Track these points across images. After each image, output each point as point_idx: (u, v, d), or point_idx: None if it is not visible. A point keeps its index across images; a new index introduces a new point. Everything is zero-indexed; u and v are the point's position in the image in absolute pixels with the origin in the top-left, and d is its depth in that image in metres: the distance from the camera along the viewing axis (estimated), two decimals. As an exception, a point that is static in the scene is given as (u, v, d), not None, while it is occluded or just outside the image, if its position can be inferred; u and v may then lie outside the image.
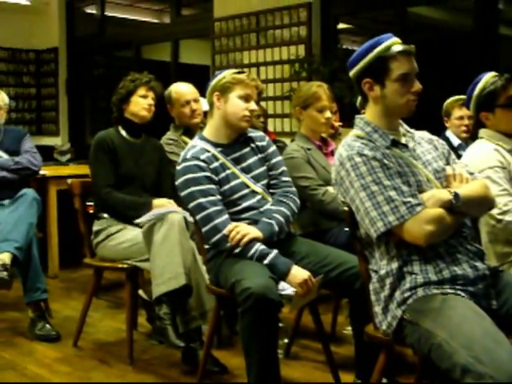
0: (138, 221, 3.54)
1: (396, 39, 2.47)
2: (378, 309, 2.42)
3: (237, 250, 2.90)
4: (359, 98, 2.62)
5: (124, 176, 3.79)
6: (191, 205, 3.00)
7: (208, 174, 3.01)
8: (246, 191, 3.08)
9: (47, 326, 4.05)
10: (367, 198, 2.34)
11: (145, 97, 3.88)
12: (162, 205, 3.65)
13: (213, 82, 3.15)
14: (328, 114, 3.79)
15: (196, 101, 4.21)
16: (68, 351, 3.82)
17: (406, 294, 2.31)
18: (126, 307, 3.69)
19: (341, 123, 4.56)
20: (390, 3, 6.26)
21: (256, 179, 3.14)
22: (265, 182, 3.17)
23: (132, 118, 3.89)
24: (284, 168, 3.27)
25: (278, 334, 2.84)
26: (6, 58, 9.95)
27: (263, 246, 2.89)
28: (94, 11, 9.73)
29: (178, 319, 3.41)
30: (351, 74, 2.54)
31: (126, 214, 3.70)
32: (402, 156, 2.46)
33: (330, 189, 3.53)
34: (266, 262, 2.85)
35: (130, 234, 3.62)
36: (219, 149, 3.11)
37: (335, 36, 6.89)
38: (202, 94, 4.34)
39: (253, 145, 3.21)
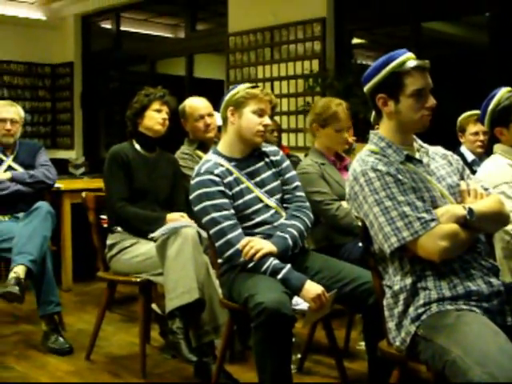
0: (152, 235, 3.55)
1: (410, 54, 2.47)
2: (391, 324, 2.41)
3: (250, 265, 2.89)
4: (373, 113, 2.61)
5: (138, 190, 3.80)
6: (204, 219, 3.01)
7: (221, 188, 3.01)
8: (259, 206, 3.08)
9: (60, 339, 4.05)
10: (381, 213, 2.34)
11: (159, 111, 3.89)
12: (176, 219, 3.65)
13: (227, 97, 3.16)
14: (346, 134, 3.80)
15: (210, 115, 4.22)
16: (81, 364, 3.82)
17: (420, 310, 2.29)
18: (139, 321, 3.69)
19: (355, 138, 4.56)
20: (405, 19, 6.28)
21: (270, 194, 3.14)
22: (278, 196, 3.17)
23: (146, 132, 3.90)
24: (298, 183, 3.27)
25: (292, 349, 2.83)
26: (23, 72, 10.05)
27: (277, 261, 2.89)
28: (109, 26, 9.82)
29: (191, 333, 3.41)
30: (365, 89, 2.54)
31: (140, 228, 3.71)
32: (416, 171, 2.45)
33: (344, 204, 3.52)
34: (279, 276, 2.85)
35: (144, 248, 3.63)
36: (233, 163, 3.12)
37: (349, 51, 6.92)
38: (216, 109, 4.36)
39: (267, 159, 3.22)
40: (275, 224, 3.06)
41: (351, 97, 5.70)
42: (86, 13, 9.88)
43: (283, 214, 3.14)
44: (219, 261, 3.10)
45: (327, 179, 3.72)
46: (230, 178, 3.06)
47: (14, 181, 4.45)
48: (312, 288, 2.83)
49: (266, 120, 3.13)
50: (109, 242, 3.80)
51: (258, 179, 3.14)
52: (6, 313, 4.81)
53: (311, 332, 3.66)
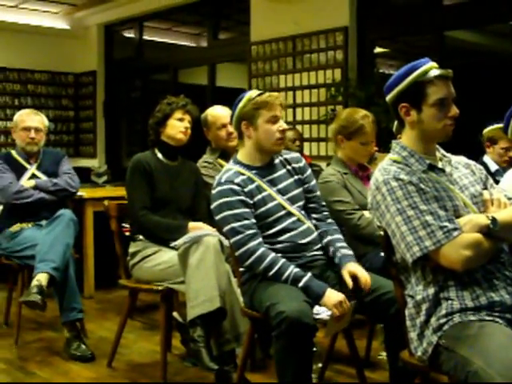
0: (174, 243, 3.56)
1: (433, 64, 2.47)
2: (413, 334, 2.39)
3: (270, 273, 2.90)
4: (396, 123, 2.61)
5: (160, 199, 3.81)
6: (225, 229, 3.02)
7: (242, 197, 3.01)
8: (282, 213, 3.08)
9: (82, 346, 4.07)
10: (403, 223, 2.33)
11: (181, 120, 3.91)
12: (198, 227, 3.66)
13: (236, 111, 3.15)
14: (370, 147, 3.79)
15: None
16: (102, 371, 3.84)
17: (442, 320, 2.28)
18: (161, 329, 3.70)
19: (377, 148, 4.54)
20: (427, 27, 6.26)
21: (292, 201, 3.13)
22: (301, 203, 3.17)
23: (168, 140, 3.92)
24: (319, 193, 3.28)
25: (313, 358, 2.82)
26: (46, 80, 10.14)
27: (297, 269, 2.90)
28: (132, 35, 9.88)
29: (212, 342, 3.41)
30: (388, 98, 2.54)
31: (162, 236, 3.72)
32: (439, 180, 2.45)
33: (366, 213, 3.51)
34: (300, 284, 2.85)
35: (166, 256, 3.64)
36: (254, 171, 3.12)
37: (372, 60, 6.90)
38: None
39: (289, 167, 3.21)
40: (298, 231, 3.06)
41: (373, 106, 5.70)
42: (109, 22, 9.96)
43: (305, 221, 3.13)
44: (241, 269, 3.11)
45: (349, 189, 3.70)
46: (251, 186, 3.06)
47: (37, 189, 4.49)
48: (333, 295, 2.83)
49: (282, 125, 3.11)
50: (131, 250, 3.82)
51: (280, 186, 3.14)
52: (30, 319, 4.84)
53: (332, 341, 3.64)
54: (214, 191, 3.09)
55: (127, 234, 4.03)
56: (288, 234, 3.05)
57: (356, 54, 6.73)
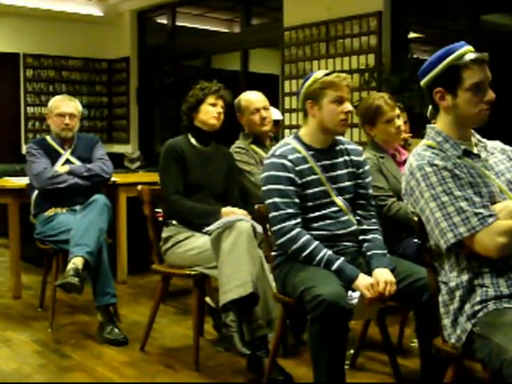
0: (206, 229, 3.57)
1: (469, 47, 2.44)
2: (446, 321, 2.38)
3: (304, 254, 2.90)
4: (430, 108, 2.58)
5: (193, 183, 3.82)
6: (267, 201, 3.01)
7: (291, 175, 2.98)
8: (326, 200, 3.05)
9: (115, 330, 4.11)
10: (437, 209, 2.31)
11: (214, 105, 3.90)
12: (231, 212, 3.66)
13: (303, 89, 3.10)
14: (397, 122, 3.74)
15: (266, 109, 4.21)
16: (135, 355, 3.87)
17: (477, 308, 2.26)
18: (193, 314, 3.72)
19: (410, 134, 4.50)
20: (463, 11, 6.18)
21: (340, 191, 3.08)
22: (348, 196, 3.11)
23: (201, 126, 3.92)
24: (372, 190, 3.24)
25: (347, 343, 2.82)
26: (80, 67, 10.24)
27: (330, 252, 2.89)
28: (165, 21, 9.90)
29: (245, 327, 3.41)
30: (422, 83, 2.51)
31: (194, 221, 3.74)
32: (474, 166, 2.42)
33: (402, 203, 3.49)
34: (333, 267, 2.85)
35: (199, 242, 3.65)
36: (311, 152, 3.07)
37: (406, 45, 6.84)
38: (271, 103, 4.37)
39: (347, 157, 3.15)
40: (336, 221, 3.03)
41: (407, 91, 5.65)
42: (142, 8, 10.00)
43: (348, 214, 3.08)
44: (273, 253, 3.11)
45: (385, 173, 3.67)
46: (303, 166, 3.02)
47: (71, 174, 4.52)
48: (365, 278, 2.85)
49: (348, 106, 3.05)
50: (164, 235, 3.83)
51: (332, 174, 3.09)
52: (64, 303, 4.90)
53: (365, 328, 3.63)
54: (266, 161, 3.08)
55: (160, 219, 4.05)
56: (326, 222, 3.03)
57: (390, 40, 6.68)
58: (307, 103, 3.08)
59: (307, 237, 2.92)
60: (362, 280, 2.83)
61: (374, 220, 3.18)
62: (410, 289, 2.88)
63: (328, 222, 3.03)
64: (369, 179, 3.21)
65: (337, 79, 3.03)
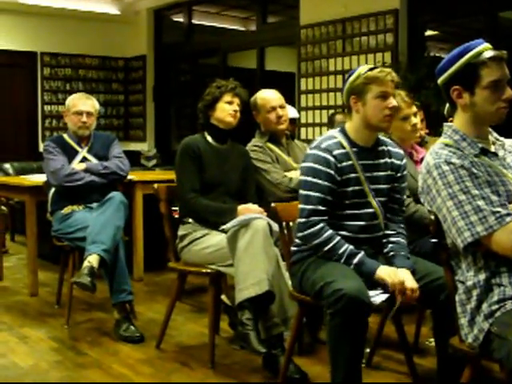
0: (222, 227, 3.57)
1: (487, 45, 2.42)
2: (464, 321, 2.37)
3: (326, 248, 2.89)
4: (447, 106, 2.57)
5: (209, 182, 3.82)
6: (301, 192, 2.98)
7: (332, 172, 2.93)
8: (362, 200, 3.00)
9: (131, 327, 4.12)
10: (454, 208, 2.30)
11: (230, 103, 3.90)
12: (247, 210, 3.65)
13: (347, 84, 3.05)
14: (413, 120, 3.72)
15: (282, 107, 4.21)
16: (151, 353, 3.88)
17: (494, 307, 2.25)
18: (209, 312, 3.72)
19: (427, 131, 4.48)
20: (480, 8, 6.14)
21: (376, 193, 3.04)
22: (383, 199, 3.07)
23: (218, 123, 3.92)
24: (406, 196, 3.22)
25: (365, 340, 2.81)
26: (97, 65, 10.28)
27: (352, 247, 2.89)
28: (181, 19, 9.93)
29: (260, 325, 3.41)
30: (439, 80, 2.50)
31: (210, 219, 3.74)
32: (492, 165, 2.40)
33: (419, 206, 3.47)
34: (355, 260, 2.85)
35: (215, 240, 3.65)
36: (355, 149, 3.01)
37: (422, 43, 6.81)
38: (287, 101, 4.37)
39: (388, 159, 3.10)
40: (367, 223, 3.01)
41: (424, 89, 5.63)
42: (159, 6, 10.02)
43: (381, 218, 3.05)
44: (292, 248, 3.10)
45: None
46: (345, 164, 2.97)
47: (88, 172, 4.54)
48: (386, 267, 2.85)
49: (392, 102, 2.97)
50: (180, 232, 3.84)
51: (372, 174, 3.03)
52: (81, 300, 4.92)
53: (381, 327, 3.62)
54: (309, 151, 3.01)
55: (176, 216, 4.05)
56: (355, 223, 3.00)
57: (406, 37, 6.66)
58: (351, 99, 3.02)
59: (330, 232, 2.91)
60: (383, 269, 2.83)
61: (401, 225, 3.15)
62: (427, 288, 2.86)
63: (359, 224, 3.00)
64: (405, 184, 3.16)
65: (381, 74, 2.95)
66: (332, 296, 2.66)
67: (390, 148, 3.13)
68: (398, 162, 3.12)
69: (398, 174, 3.12)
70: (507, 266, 2.27)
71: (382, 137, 3.15)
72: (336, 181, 2.94)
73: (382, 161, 3.08)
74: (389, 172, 3.09)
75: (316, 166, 2.94)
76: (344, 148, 2.99)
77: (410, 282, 2.82)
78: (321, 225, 2.91)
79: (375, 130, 3.04)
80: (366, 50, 6.85)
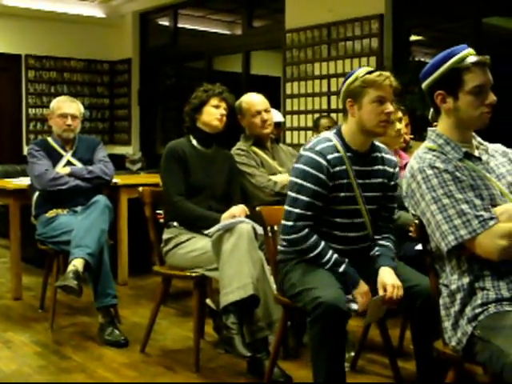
0: (207, 231, 3.57)
1: (470, 50, 2.44)
2: (447, 324, 2.38)
3: (312, 254, 2.89)
4: (431, 111, 2.57)
5: (194, 185, 3.82)
6: (290, 193, 2.94)
7: (323, 177, 2.88)
8: (353, 207, 2.97)
9: (116, 331, 4.11)
10: (438, 211, 2.31)
11: (217, 107, 3.91)
12: (231, 214, 3.65)
13: (344, 87, 3.00)
14: (397, 125, 3.73)
15: (267, 111, 4.21)
16: (135, 357, 3.87)
17: (478, 310, 2.26)
18: (194, 316, 3.72)
19: (412, 136, 4.51)
20: (465, 14, 6.18)
21: (368, 200, 3.00)
22: (374, 207, 3.04)
23: (204, 127, 3.92)
24: (396, 204, 3.18)
25: (346, 346, 2.82)
26: (82, 68, 10.25)
27: (336, 255, 2.89)
28: (166, 23, 9.91)
29: (245, 329, 3.42)
30: (423, 85, 2.51)
31: (195, 224, 3.74)
32: (475, 169, 2.42)
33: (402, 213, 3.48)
34: (341, 269, 2.87)
35: (200, 243, 3.65)
36: (349, 154, 2.97)
37: (407, 48, 6.84)
38: (272, 106, 4.37)
39: (381, 167, 3.06)
40: (355, 234, 3.01)
41: (408, 94, 5.65)
42: (145, 10, 10.01)
43: (369, 227, 3.04)
44: (279, 247, 3.09)
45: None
46: (339, 168, 2.92)
47: (72, 176, 4.52)
48: (365, 286, 2.88)
49: (388, 107, 2.92)
50: (165, 236, 3.84)
51: (365, 181, 3.00)
52: (64, 304, 4.90)
53: (365, 331, 3.63)
54: (303, 153, 2.97)
55: (161, 220, 4.05)
56: (348, 234, 2.99)
57: (391, 42, 6.68)
58: (347, 101, 2.97)
59: (316, 237, 2.90)
60: (363, 287, 2.87)
61: (392, 233, 3.15)
62: (404, 294, 2.87)
63: (348, 235, 2.99)
64: (397, 193, 3.09)
65: (379, 78, 2.91)
66: (310, 303, 2.68)
67: (383, 155, 3.10)
68: (391, 170, 3.09)
69: (391, 183, 3.09)
70: (490, 270, 2.29)
71: (376, 142, 3.12)
72: (326, 186, 2.90)
73: (375, 168, 3.04)
74: (381, 180, 3.05)
75: (307, 168, 2.91)
76: (339, 152, 2.95)
77: (393, 279, 2.86)
78: (307, 230, 2.90)
79: (370, 134, 2.99)
80: (351, 54, 6.87)
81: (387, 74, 2.96)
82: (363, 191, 2.98)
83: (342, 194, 2.94)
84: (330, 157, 2.91)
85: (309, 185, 2.89)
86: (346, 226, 2.98)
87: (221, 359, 3.83)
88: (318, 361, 2.72)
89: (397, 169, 3.13)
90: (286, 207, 2.96)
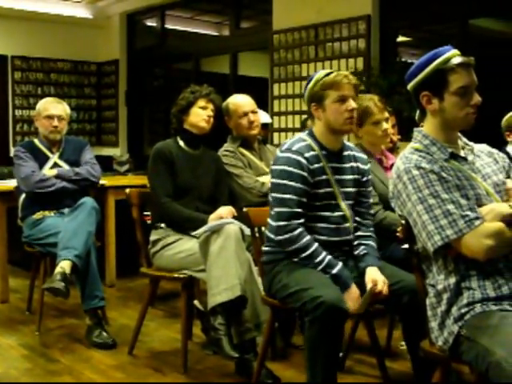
0: (194, 232, 3.57)
1: (455, 51, 2.45)
2: (434, 324, 2.39)
3: (304, 254, 2.90)
4: (418, 112, 2.59)
5: (182, 186, 3.82)
6: (275, 195, 2.98)
7: (305, 174, 2.95)
8: (332, 202, 3.03)
9: (104, 333, 4.10)
10: (424, 212, 2.32)
11: (204, 108, 3.91)
12: (218, 215, 3.65)
13: (306, 93, 3.08)
14: (384, 125, 3.74)
15: (254, 112, 4.22)
16: (123, 359, 3.86)
17: (464, 310, 2.27)
18: (182, 317, 3.71)
19: (399, 136, 4.52)
20: (451, 16, 6.19)
21: (345, 196, 3.07)
22: (351, 202, 3.11)
23: (191, 128, 3.92)
24: (372, 200, 3.26)
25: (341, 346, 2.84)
26: (69, 69, 10.20)
27: (330, 256, 2.91)
28: (154, 24, 9.89)
29: (233, 330, 3.42)
30: (409, 86, 2.52)
31: (182, 225, 3.74)
32: (461, 169, 2.43)
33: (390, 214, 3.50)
34: (334, 271, 2.87)
35: (187, 245, 3.65)
36: (324, 152, 3.05)
37: (394, 49, 6.86)
38: (260, 106, 4.38)
39: (353, 164, 3.14)
40: (337, 226, 3.03)
41: (395, 95, 5.67)
42: (132, 11, 9.98)
43: (350, 220, 3.08)
44: (264, 248, 3.10)
45: (372, 178, 3.67)
46: (316, 166, 3.00)
47: (59, 178, 4.51)
48: (357, 290, 2.89)
49: (351, 104, 3.00)
50: (152, 238, 3.83)
51: (340, 177, 3.07)
52: (52, 307, 4.88)
53: (353, 331, 3.64)
54: (281, 154, 3.02)
55: (148, 222, 4.04)
56: (328, 226, 3.02)
57: (379, 43, 6.69)
58: (311, 106, 3.06)
59: (308, 237, 2.92)
60: (355, 291, 2.88)
61: (371, 229, 3.19)
62: (389, 291, 2.89)
63: (330, 226, 3.02)
64: (370, 188, 3.23)
65: (337, 78, 2.98)
66: (310, 303, 2.67)
67: (354, 153, 3.19)
68: (363, 167, 3.18)
69: (364, 178, 3.17)
70: (476, 270, 2.30)
71: (346, 142, 3.20)
72: (309, 183, 2.96)
73: (348, 165, 3.12)
74: (355, 176, 3.14)
75: (290, 168, 2.94)
76: (314, 150, 3.02)
77: (383, 277, 2.90)
78: (300, 229, 2.92)
79: (339, 133, 3.08)
80: (338, 55, 6.88)
81: (345, 72, 3.05)
82: (341, 187, 3.06)
83: (322, 191, 3.01)
84: (307, 155, 2.98)
85: (294, 183, 2.93)
86: (327, 219, 3.02)
87: (209, 360, 3.83)
88: (315, 361, 2.71)
89: (368, 165, 3.23)
90: (274, 209, 2.98)
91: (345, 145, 3.17)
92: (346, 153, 3.15)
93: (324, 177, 3.01)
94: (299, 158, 2.96)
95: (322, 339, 2.68)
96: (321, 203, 3.01)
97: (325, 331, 2.66)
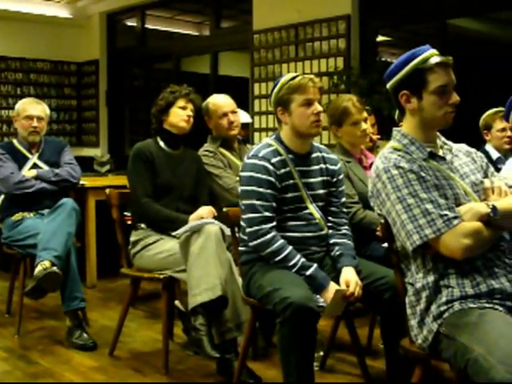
0: (175, 233, 3.56)
1: (433, 51, 2.46)
2: (413, 322, 2.40)
3: (277, 258, 2.91)
4: (397, 111, 2.60)
5: (162, 186, 3.82)
6: (245, 202, 2.99)
7: (272, 179, 2.97)
8: (300, 205, 3.05)
9: (84, 334, 4.08)
10: (403, 211, 2.33)
11: (184, 108, 3.90)
12: (198, 215, 3.64)
13: (272, 97, 3.10)
14: (363, 125, 3.76)
15: (234, 112, 4.22)
16: (104, 360, 3.85)
17: (443, 308, 2.28)
18: (162, 317, 3.71)
19: (379, 136, 4.53)
20: (430, 16, 6.23)
21: (313, 198, 3.09)
22: (320, 204, 3.12)
23: (171, 129, 3.92)
24: (344, 199, 3.26)
25: (316, 345, 2.83)
26: (48, 70, 10.13)
27: (303, 259, 2.91)
28: (134, 24, 9.86)
29: (214, 330, 3.41)
30: (388, 86, 2.53)
31: (163, 225, 3.73)
32: (440, 168, 2.44)
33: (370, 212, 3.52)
34: (307, 273, 2.87)
35: (167, 245, 3.64)
36: (291, 156, 3.06)
37: (374, 48, 6.88)
38: (240, 106, 4.37)
39: (323, 165, 3.16)
40: (307, 222, 3.05)
41: (375, 94, 5.69)
42: (112, 11, 9.94)
43: (321, 221, 3.09)
44: (240, 248, 3.11)
45: (351, 178, 3.69)
46: (283, 170, 3.02)
47: (38, 179, 4.49)
48: (335, 286, 2.87)
49: (317, 107, 3.03)
50: (132, 238, 3.82)
51: (308, 180, 3.08)
52: (31, 309, 4.85)
53: (334, 330, 3.65)
54: (248, 161, 3.03)
55: (129, 222, 4.03)
56: (298, 223, 3.03)
57: (358, 43, 6.71)
58: (278, 111, 3.08)
59: (282, 241, 2.93)
60: (331, 291, 2.84)
61: (346, 227, 3.19)
62: (370, 287, 2.91)
63: (299, 223, 3.04)
64: (342, 188, 3.23)
65: (302, 81, 3.01)
66: (280, 304, 2.67)
67: (324, 154, 3.20)
68: (333, 167, 3.19)
69: (334, 179, 3.18)
70: (455, 268, 2.31)
71: (315, 143, 3.21)
72: (277, 187, 2.98)
73: (316, 167, 3.13)
74: (325, 177, 3.15)
75: (257, 174, 2.97)
76: (281, 155, 3.04)
77: (356, 278, 2.90)
78: (272, 233, 2.93)
79: (306, 137, 3.09)
80: (318, 55, 6.89)
81: (310, 76, 3.07)
82: (309, 190, 3.07)
83: (290, 195, 3.03)
84: (273, 160, 3.00)
85: (262, 189, 2.96)
86: (296, 219, 3.03)
87: (190, 361, 3.82)
88: (289, 362, 2.71)
89: (339, 165, 3.23)
90: (246, 215, 2.99)
91: (313, 147, 3.18)
92: (314, 155, 3.16)
93: (291, 181, 3.03)
94: (265, 163, 2.98)
95: (293, 339, 2.68)
96: (289, 207, 3.03)
97: (296, 331, 2.66)
